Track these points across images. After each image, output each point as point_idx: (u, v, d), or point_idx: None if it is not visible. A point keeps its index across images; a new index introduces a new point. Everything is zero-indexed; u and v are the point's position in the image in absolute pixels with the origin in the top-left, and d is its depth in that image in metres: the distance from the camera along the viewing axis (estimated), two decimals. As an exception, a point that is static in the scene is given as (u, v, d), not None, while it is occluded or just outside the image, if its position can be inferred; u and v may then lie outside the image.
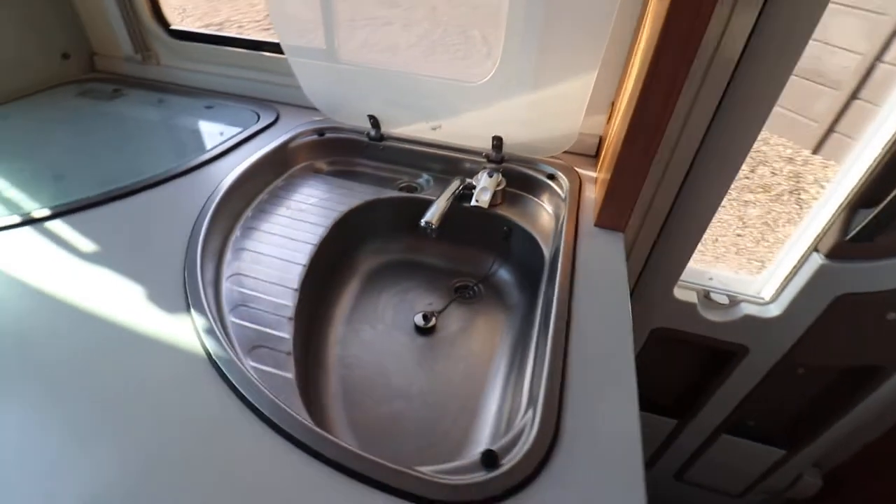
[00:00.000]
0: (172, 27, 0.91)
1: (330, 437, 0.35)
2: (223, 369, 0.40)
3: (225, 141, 0.72)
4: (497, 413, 0.51)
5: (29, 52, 0.87)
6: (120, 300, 0.46)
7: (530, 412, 0.38)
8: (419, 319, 0.62)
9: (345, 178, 0.74)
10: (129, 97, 0.88)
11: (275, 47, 0.85)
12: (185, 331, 0.43)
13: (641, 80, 0.46)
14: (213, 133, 0.76)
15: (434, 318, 0.63)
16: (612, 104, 0.68)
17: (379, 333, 0.61)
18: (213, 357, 0.40)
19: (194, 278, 0.48)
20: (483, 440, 0.49)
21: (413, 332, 0.62)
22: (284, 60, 0.76)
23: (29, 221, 0.55)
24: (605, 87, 0.66)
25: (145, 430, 0.36)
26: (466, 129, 0.71)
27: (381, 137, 0.76)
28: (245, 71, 0.88)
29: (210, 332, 0.43)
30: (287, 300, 0.51)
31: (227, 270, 0.53)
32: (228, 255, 0.56)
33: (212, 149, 0.70)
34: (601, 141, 0.72)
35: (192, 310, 0.45)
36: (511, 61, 0.61)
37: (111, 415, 0.36)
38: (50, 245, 0.52)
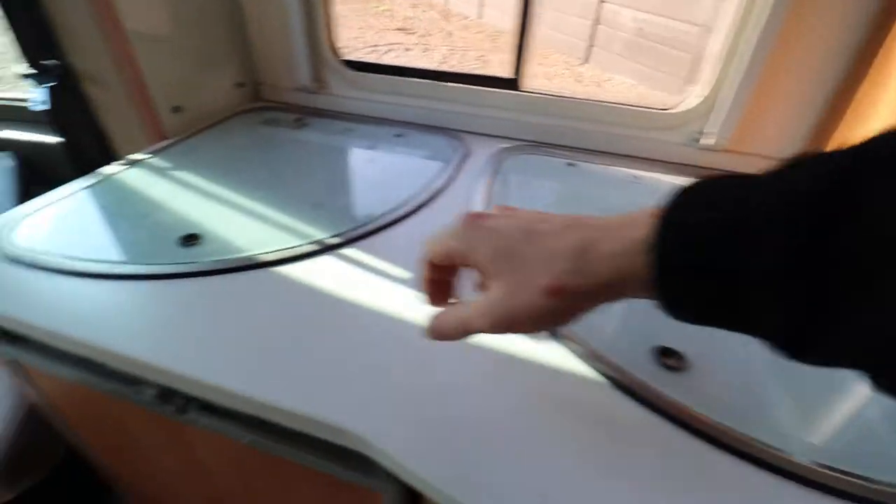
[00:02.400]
0: (345, 58, 0.94)
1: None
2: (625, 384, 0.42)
3: (447, 166, 0.75)
4: None
5: (211, 83, 0.89)
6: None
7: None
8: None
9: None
10: (313, 126, 0.90)
11: (455, 77, 0.89)
12: (554, 349, 0.45)
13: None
14: (425, 158, 0.79)
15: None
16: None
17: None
18: (609, 375, 0.42)
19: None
20: None
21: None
22: (465, 90, 0.80)
23: (328, 248, 0.57)
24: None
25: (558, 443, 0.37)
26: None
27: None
28: (422, 100, 0.91)
29: (592, 354, 0.45)
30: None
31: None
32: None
33: (440, 174, 0.73)
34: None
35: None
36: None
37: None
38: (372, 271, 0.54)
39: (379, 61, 0.88)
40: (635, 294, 0.24)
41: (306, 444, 0.43)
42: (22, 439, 0.73)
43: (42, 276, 0.51)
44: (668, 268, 0.21)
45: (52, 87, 0.75)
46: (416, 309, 0.48)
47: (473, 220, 0.28)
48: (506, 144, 0.85)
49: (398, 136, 0.88)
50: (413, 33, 5.39)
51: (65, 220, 0.60)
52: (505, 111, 0.87)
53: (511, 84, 0.86)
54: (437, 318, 0.30)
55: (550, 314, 0.25)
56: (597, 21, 4.60)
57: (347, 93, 0.95)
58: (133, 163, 0.73)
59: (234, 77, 0.94)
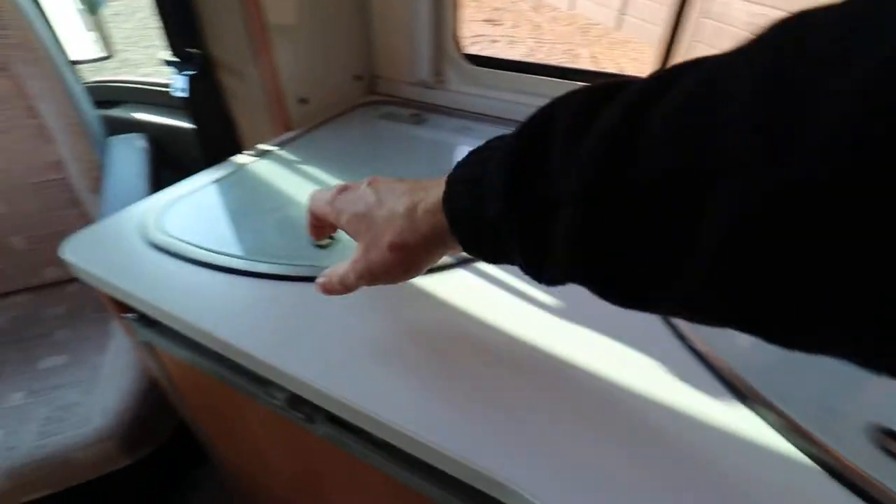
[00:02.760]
0: (467, 52, 0.89)
1: None
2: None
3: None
4: None
5: (333, 75, 0.88)
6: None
7: None
8: None
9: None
10: (431, 122, 0.87)
11: (587, 76, 0.81)
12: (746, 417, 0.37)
13: None
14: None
15: None
16: None
17: None
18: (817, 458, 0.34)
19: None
20: None
21: None
22: None
23: (463, 261, 0.52)
24: None
25: None
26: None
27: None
28: (547, 100, 0.84)
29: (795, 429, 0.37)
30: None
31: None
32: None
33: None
34: None
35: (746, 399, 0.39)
36: None
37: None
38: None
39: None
40: (454, 244, 0.28)
41: (438, 478, 0.39)
42: (142, 411, 0.77)
43: (182, 266, 0.51)
44: (453, 220, 0.26)
45: (191, 75, 0.77)
46: (584, 343, 0.42)
47: (341, 190, 0.35)
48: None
49: (521, 137, 0.82)
50: (500, 24, 5.27)
51: (202, 211, 0.61)
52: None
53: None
54: (322, 275, 0.37)
55: (400, 266, 0.31)
56: (703, 13, 4.25)
57: (466, 89, 0.90)
58: (262, 153, 0.73)
59: (353, 70, 0.92)
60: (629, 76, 0.24)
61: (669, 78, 0.18)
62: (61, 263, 0.52)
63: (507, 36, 5.00)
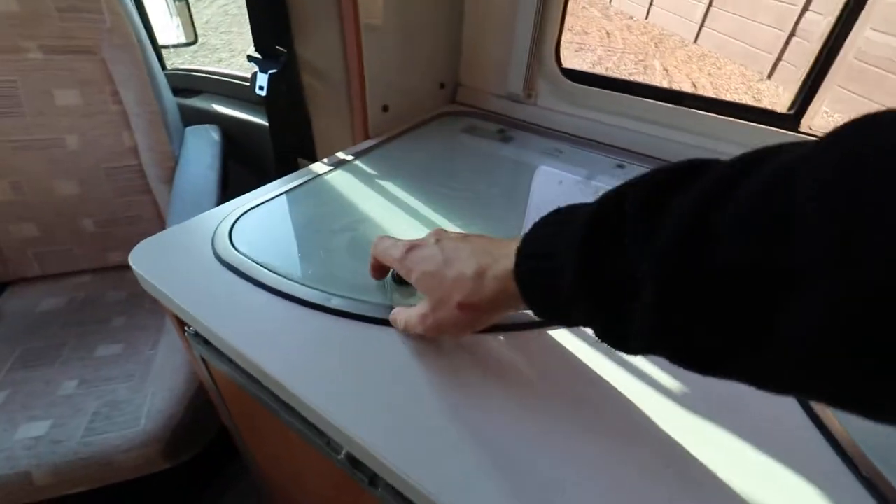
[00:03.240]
0: (565, 67, 0.81)
1: None
2: None
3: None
4: None
5: (416, 82, 0.82)
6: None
7: None
8: None
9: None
10: (518, 140, 0.79)
11: (707, 104, 0.71)
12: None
13: None
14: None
15: None
16: None
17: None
18: None
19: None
20: None
21: None
22: (718, 122, 0.63)
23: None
24: None
25: None
26: None
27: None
28: (654, 126, 0.74)
29: None
30: None
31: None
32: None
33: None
34: None
35: None
36: None
37: None
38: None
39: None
40: (519, 304, 0.30)
41: None
42: (187, 416, 0.74)
43: (247, 287, 0.46)
44: (525, 290, 0.29)
45: (273, 74, 0.73)
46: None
47: (410, 248, 0.37)
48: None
49: (620, 166, 0.72)
50: (568, 30, 5.12)
51: (273, 225, 0.56)
52: (770, 156, 0.67)
53: (787, 121, 0.66)
54: (392, 315, 0.40)
55: (467, 323, 0.34)
56: (793, 32, 3.93)
57: (559, 106, 0.82)
58: (339, 163, 0.68)
59: (437, 77, 0.86)
60: (704, 160, 0.22)
61: (746, 167, 0.19)
62: (126, 247, 0.50)
63: (575, 43, 4.84)
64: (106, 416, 0.72)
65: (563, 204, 0.29)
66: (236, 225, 0.54)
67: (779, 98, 3.70)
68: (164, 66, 1.23)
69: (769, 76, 4.01)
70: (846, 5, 0.59)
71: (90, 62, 0.88)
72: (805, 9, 3.69)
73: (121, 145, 0.94)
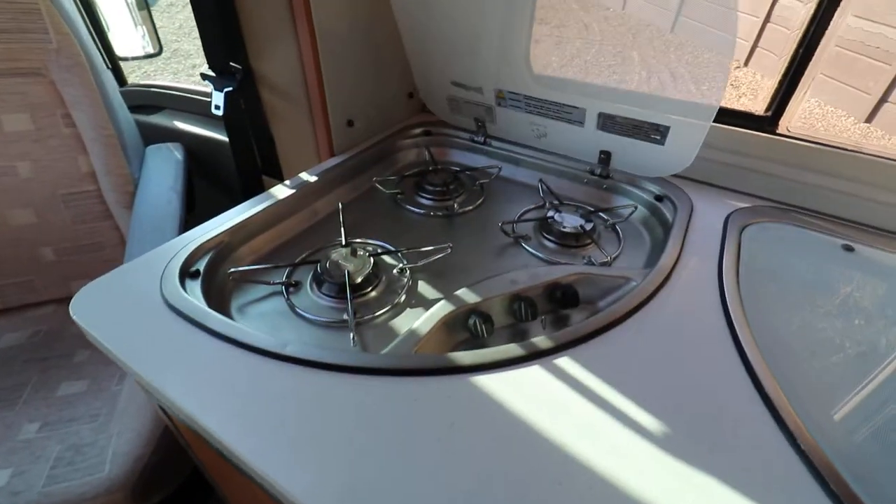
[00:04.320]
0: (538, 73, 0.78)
1: None
2: None
3: (670, 230, 0.57)
4: None
5: (383, 94, 0.79)
6: None
7: None
8: None
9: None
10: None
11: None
12: None
13: None
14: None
15: None
16: None
17: None
18: None
19: None
20: None
21: None
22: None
23: (539, 354, 0.42)
24: None
25: None
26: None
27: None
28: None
29: None
30: None
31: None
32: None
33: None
34: None
35: None
36: None
37: None
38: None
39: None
40: None
41: None
42: (154, 458, 0.70)
43: (195, 335, 0.42)
44: None
45: (229, 91, 0.69)
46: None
47: None
48: (742, 203, 0.64)
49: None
50: (547, 23, 5.09)
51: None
52: (748, 158, 0.65)
53: (765, 123, 0.64)
54: None
55: None
56: (767, 18, 3.96)
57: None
58: (300, 185, 0.65)
59: (406, 86, 0.83)
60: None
61: None
62: (89, 276, 0.46)
63: (554, 36, 4.82)
64: (69, 461, 0.68)
65: None
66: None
67: (758, 84, 3.72)
68: (123, 83, 1.18)
69: (746, 63, 4.04)
70: None
71: (39, 85, 0.84)
72: (779, -6, 3.71)
73: (77, 170, 0.89)
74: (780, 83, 0.62)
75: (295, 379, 0.39)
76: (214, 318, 0.43)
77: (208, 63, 0.69)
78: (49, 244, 0.93)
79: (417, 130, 0.81)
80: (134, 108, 1.13)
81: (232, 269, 0.51)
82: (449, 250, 0.56)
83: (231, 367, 0.40)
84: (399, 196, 0.70)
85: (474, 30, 0.70)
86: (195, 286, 0.48)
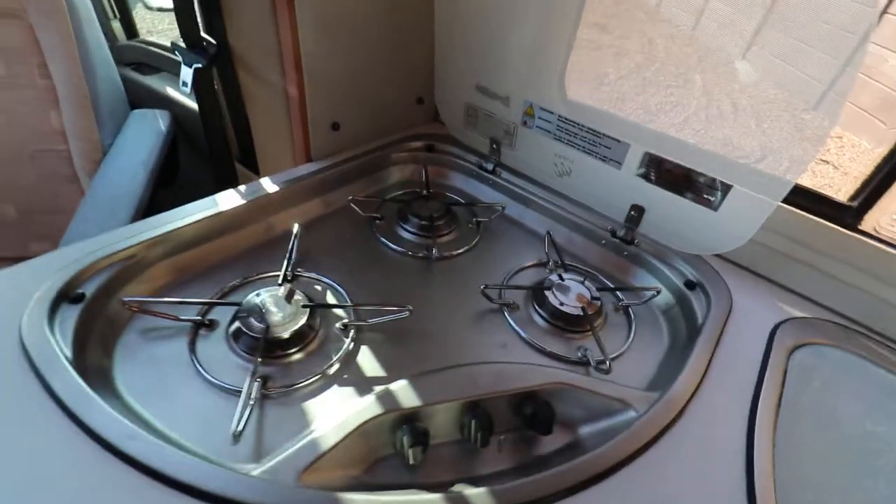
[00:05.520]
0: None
1: None
2: None
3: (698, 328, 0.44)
4: None
5: (388, 97, 0.67)
6: None
7: None
8: None
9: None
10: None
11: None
12: None
13: None
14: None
15: None
16: None
17: None
18: None
19: None
20: None
21: None
22: None
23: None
24: None
25: None
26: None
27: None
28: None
29: None
30: None
31: None
32: None
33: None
34: None
35: None
36: None
37: None
38: None
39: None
40: None
41: None
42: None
43: (33, 392, 0.33)
44: None
45: (198, 68, 0.59)
46: None
47: None
48: (797, 311, 0.50)
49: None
50: (609, 33, 4.84)
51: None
52: (815, 254, 0.51)
53: (847, 215, 0.49)
54: None
55: None
56: (847, 63, 3.62)
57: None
58: (257, 190, 0.54)
59: (414, 90, 0.71)
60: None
61: None
62: (49, 239, 0.38)
63: (615, 46, 4.57)
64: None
65: None
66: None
67: (851, 152, 3.42)
68: (133, 35, 1.10)
69: (816, 107, 3.73)
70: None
71: (15, 27, 0.75)
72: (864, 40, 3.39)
73: (47, 126, 0.81)
74: (878, 168, 0.47)
75: (129, 494, 0.28)
76: (64, 374, 0.33)
77: (180, 32, 0.59)
78: (12, 202, 0.85)
79: (418, 144, 0.69)
80: (134, 66, 1.05)
81: (126, 299, 0.40)
82: (407, 314, 0.44)
83: (56, 452, 0.29)
84: (377, 222, 0.59)
85: (513, 31, 0.57)
86: (72, 315, 0.38)
